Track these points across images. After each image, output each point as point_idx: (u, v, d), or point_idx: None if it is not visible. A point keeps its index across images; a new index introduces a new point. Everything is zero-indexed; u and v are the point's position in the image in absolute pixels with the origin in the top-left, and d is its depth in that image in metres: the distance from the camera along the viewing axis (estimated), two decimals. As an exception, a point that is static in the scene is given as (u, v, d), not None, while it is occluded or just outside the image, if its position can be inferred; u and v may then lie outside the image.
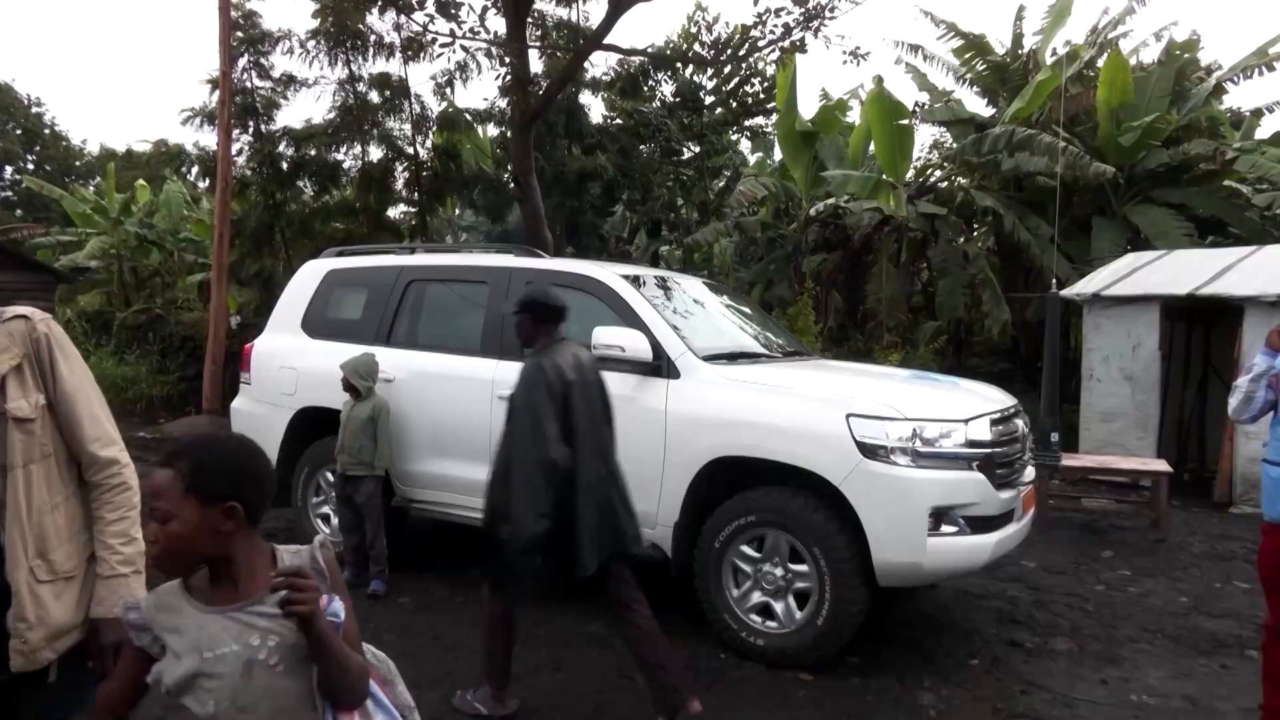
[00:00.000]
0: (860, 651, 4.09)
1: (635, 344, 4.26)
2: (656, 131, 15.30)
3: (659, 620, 3.38)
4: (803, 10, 10.29)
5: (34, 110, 35.25)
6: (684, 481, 4.17)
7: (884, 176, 13.66)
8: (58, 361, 1.87)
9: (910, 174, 14.50)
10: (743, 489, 4.10)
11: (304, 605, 1.39)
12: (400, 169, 14.22)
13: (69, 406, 1.88)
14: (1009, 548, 4.18)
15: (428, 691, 3.73)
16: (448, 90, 13.67)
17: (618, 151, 14.94)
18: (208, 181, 14.42)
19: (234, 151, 12.42)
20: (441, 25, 11.15)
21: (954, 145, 14.47)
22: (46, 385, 1.86)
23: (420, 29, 11.69)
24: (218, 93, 11.82)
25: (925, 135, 17.62)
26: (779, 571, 4.01)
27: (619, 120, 15.76)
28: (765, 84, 16.65)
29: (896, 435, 3.77)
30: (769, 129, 17.67)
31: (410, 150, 14.01)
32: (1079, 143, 11.99)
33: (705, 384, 4.24)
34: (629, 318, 4.46)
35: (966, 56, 14.23)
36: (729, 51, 14.37)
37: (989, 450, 3.97)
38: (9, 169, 33.37)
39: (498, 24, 11.39)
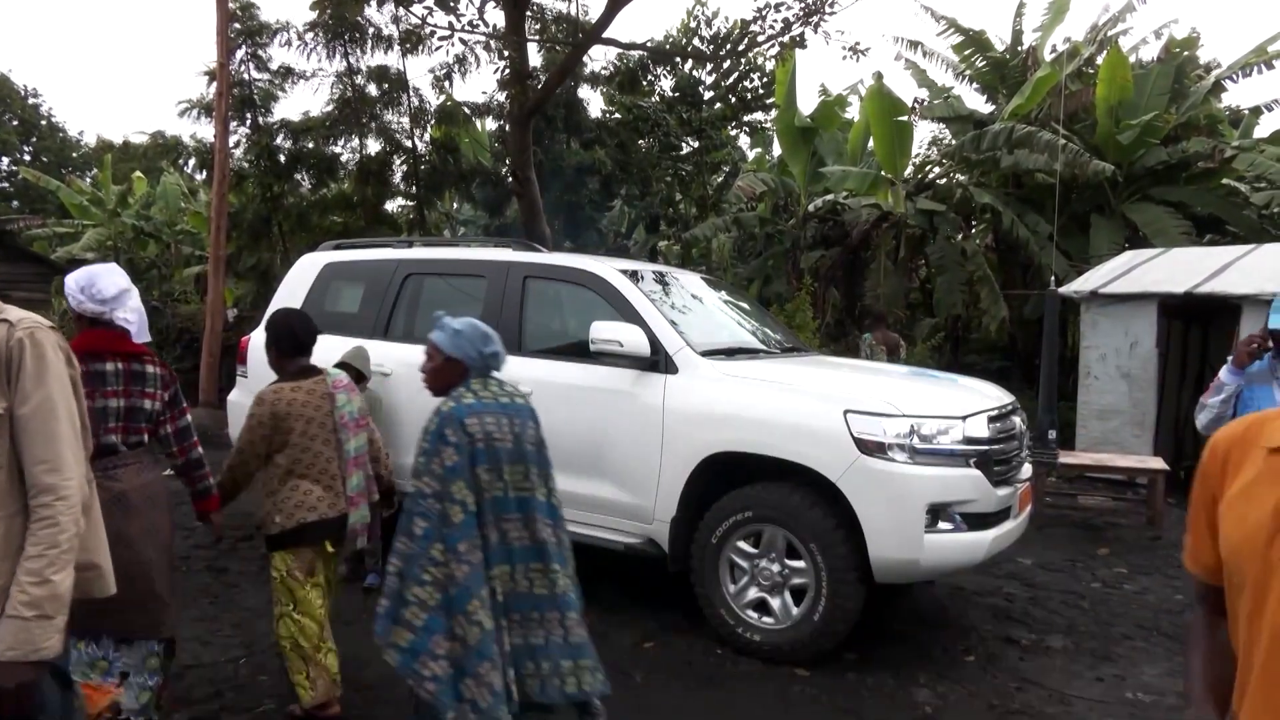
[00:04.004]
0: (857, 647, 4.09)
1: (633, 339, 4.25)
2: (655, 126, 15.29)
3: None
4: (802, 5, 10.27)
5: (31, 101, 35.12)
6: (681, 477, 4.15)
7: (883, 173, 13.66)
8: (25, 373, 1.77)
9: (909, 170, 14.51)
10: (740, 485, 4.10)
11: None
12: (398, 162, 14.19)
13: (26, 421, 1.76)
14: (1005, 545, 4.18)
15: (423, 686, 3.73)
16: (446, 83, 13.67)
17: (616, 146, 14.92)
18: (205, 174, 14.39)
19: (231, 144, 12.39)
20: (440, 18, 11.16)
21: (953, 142, 14.48)
22: (10, 395, 1.76)
23: (419, 22, 11.67)
24: (215, 85, 11.77)
25: (924, 132, 17.67)
26: (775, 567, 4.00)
27: (618, 115, 15.73)
28: (764, 79, 16.63)
29: (894, 432, 3.77)
30: (768, 124, 17.65)
31: (408, 143, 13.98)
32: (1078, 140, 11.99)
33: (703, 379, 4.23)
34: (627, 313, 4.44)
35: (966, 53, 14.22)
36: (728, 46, 14.34)
37: (986, 447, 3.97)
38: (5, 160, 33.23)
39: (496, 17, 11.37)
